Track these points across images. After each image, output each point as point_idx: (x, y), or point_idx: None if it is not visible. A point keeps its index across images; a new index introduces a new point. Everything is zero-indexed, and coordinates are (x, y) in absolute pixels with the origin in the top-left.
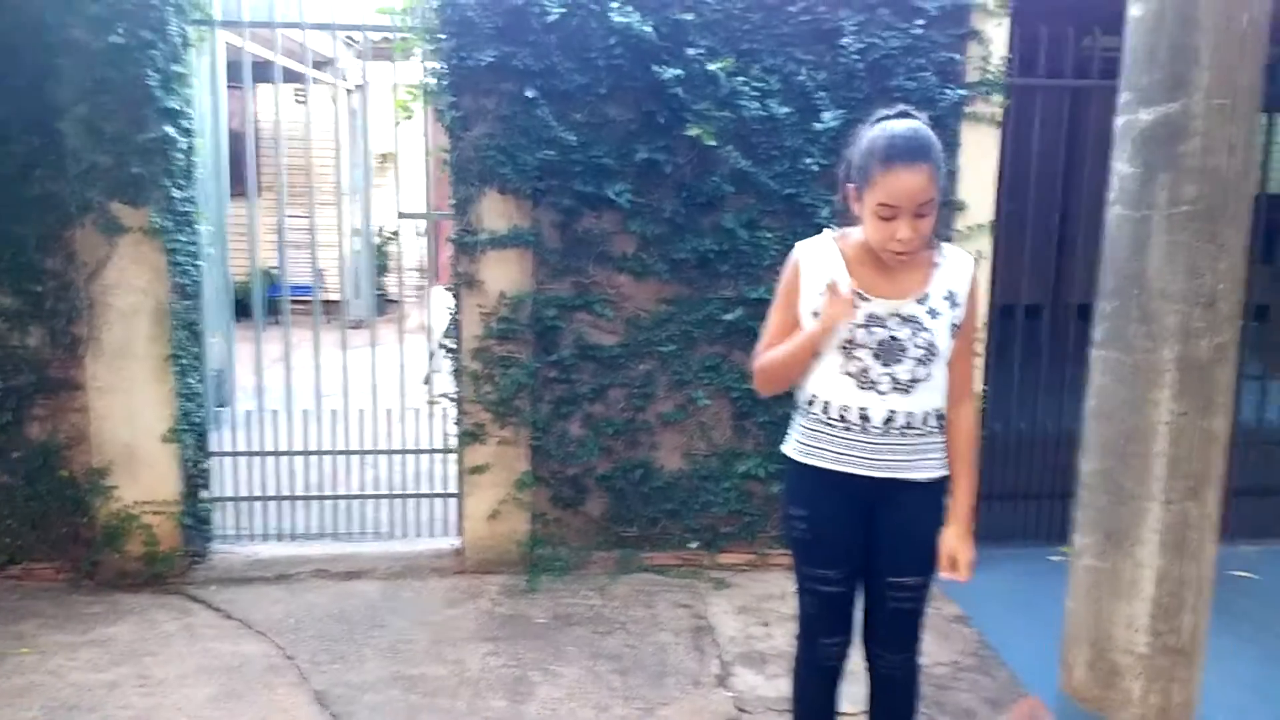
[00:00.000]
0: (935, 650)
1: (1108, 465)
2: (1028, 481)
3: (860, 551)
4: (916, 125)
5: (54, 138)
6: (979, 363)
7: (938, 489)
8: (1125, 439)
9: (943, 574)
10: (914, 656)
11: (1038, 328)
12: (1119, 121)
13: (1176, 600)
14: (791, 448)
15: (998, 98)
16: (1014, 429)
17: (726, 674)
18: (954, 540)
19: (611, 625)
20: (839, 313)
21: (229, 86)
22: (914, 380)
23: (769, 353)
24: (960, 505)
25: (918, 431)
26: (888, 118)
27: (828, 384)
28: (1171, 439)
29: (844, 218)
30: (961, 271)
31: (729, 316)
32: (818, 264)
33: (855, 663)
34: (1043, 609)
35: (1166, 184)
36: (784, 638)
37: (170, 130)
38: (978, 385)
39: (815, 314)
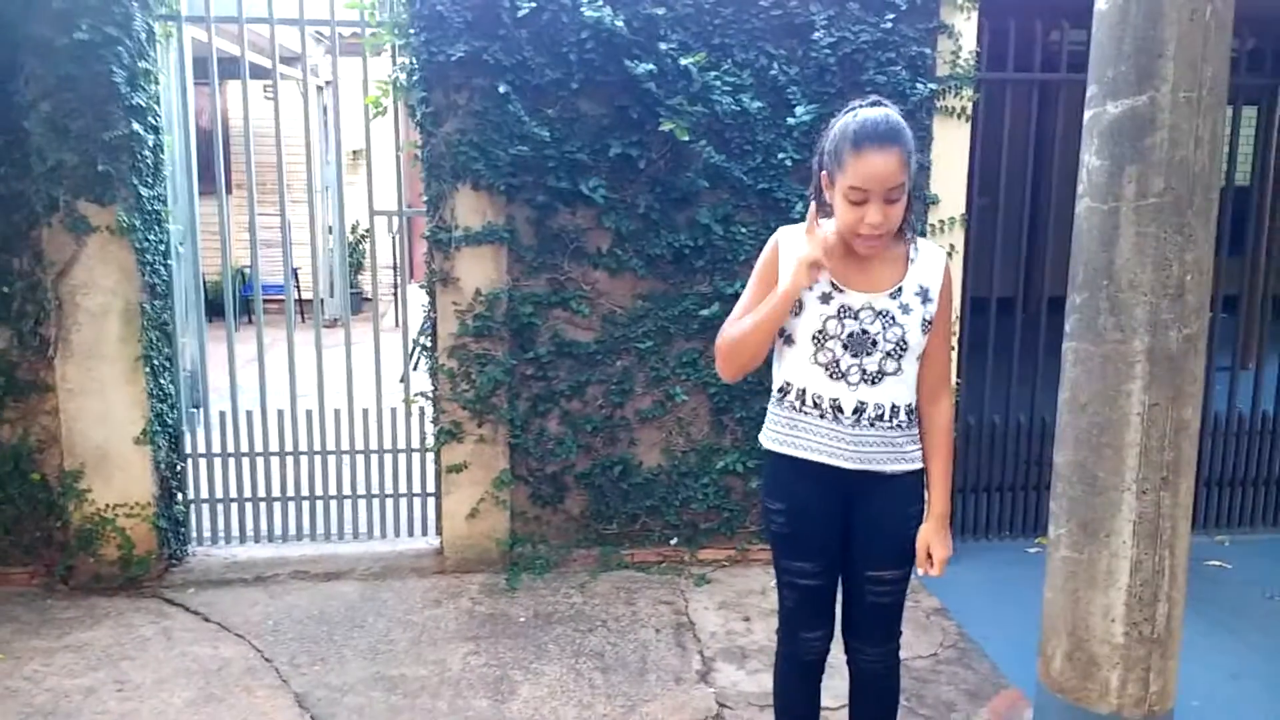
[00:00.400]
0: (915, 643)
1: (1081, 456)
2: (1003, 474)
3: (839, 545)
4: (889, 112)
5: (18, 136)
6: (953, 356)
7: (914, 481)
8: (1098, 430)
9: (919, 569)
10: (894, 650)
11: (1010, 320)
12: (1087, 115)
13: (1151, 590)
14: (768, 437)
15: (967, 92)
16: (988, 422)
17: (708, 670)
18: (930, 535)
19: (593, 623)
20: (802, 276)
21: (196, 83)
22: (881, 373)
23: (732, 328)
24: (936, 500)
25: (888, 424)
26: (861, 106)
27: (800, 372)
28: (1143, 429)
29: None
30: (934, 266)
31: (705, 312)
32: (797, 249)
33: (836, 656)
34: (1022, 600)
35: (1134, 176)
36: (765, 633)
37: (137, 127)
38: (952, 379)
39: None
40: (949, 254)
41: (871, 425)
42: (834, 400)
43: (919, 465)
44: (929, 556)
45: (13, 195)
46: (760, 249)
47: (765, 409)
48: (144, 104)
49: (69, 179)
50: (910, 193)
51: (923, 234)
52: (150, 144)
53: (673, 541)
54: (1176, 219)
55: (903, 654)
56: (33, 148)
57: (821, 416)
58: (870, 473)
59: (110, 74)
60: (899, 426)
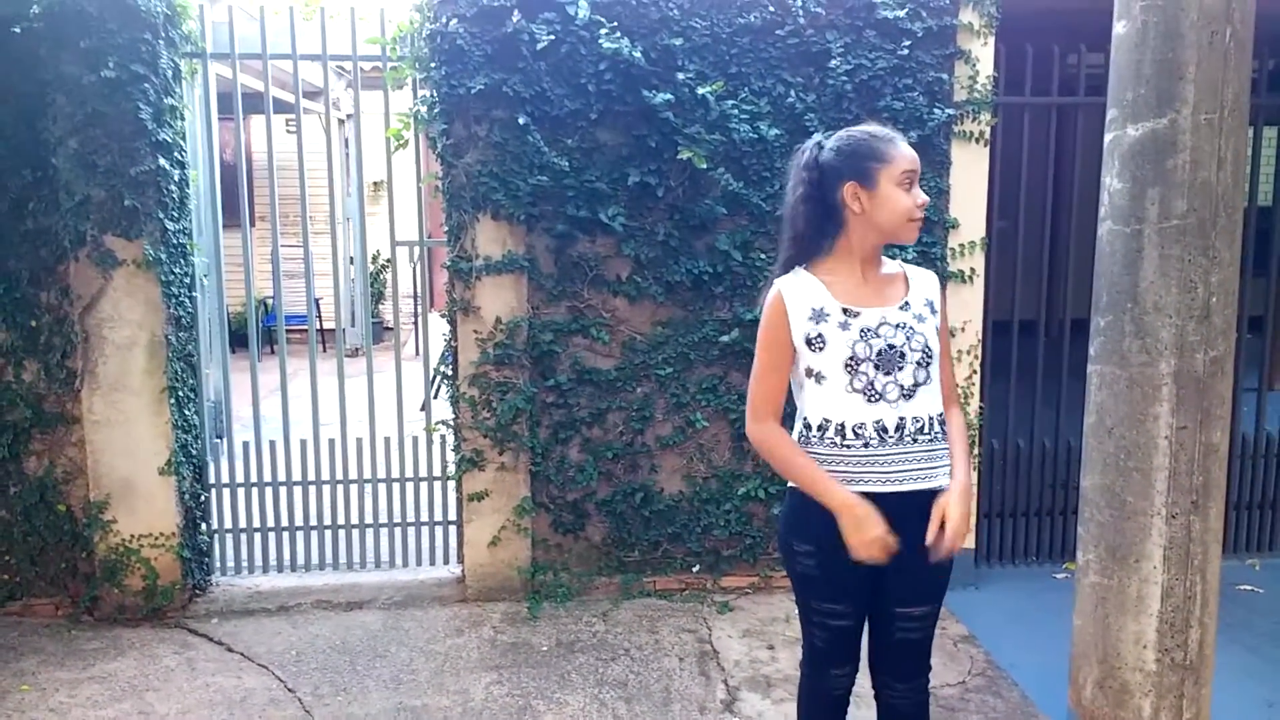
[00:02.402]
0: (943, 671)
1: (1109, 480)
2: (1028, 498)
3: (869, 584)
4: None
5: (47, 172)
6: (975, 380)
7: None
8: (1125, 454)
9: (928, 540)
10: (923, 685)
11: (1032, 344)
12: (1107, 138)
13: (1183, 615)
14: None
15: (985, 116)
16: (1012, 445)
17: (733, 699)
18: (948, 500)
19: (616, 652)
20: (865, 547)
21: (220, 118)
22: (916, 384)
23: (784, 448)
24: (959, 474)
25: (928, 437)
26: (832, 135)
27: (837, 405)
28: (1172, 453)
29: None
30: (931, 282)
31: (725, 338)
32: (799, 291)
33: (862, 685)
34: (1050, 627)
35: (1156, 199)
36: (789, 661)
37: (163, 162)
38: (957, 390)
39: (809, 340)
40: (968, 278)
41: (914, 440)
42: (878, 423)
43: (947, 465)
44: (941, 527)
45: (41, 230)
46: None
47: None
48: (170, 139)
49: (96, 214)
50: None
51: (943, 258)
52: (176, 178)
53: (695, 569)
54: (1200, 240)
55: (931, 683)
56: (61, 183)
57: (865, 445)
58: (907, 495)
59: (137, 111)
60: (936, 438)
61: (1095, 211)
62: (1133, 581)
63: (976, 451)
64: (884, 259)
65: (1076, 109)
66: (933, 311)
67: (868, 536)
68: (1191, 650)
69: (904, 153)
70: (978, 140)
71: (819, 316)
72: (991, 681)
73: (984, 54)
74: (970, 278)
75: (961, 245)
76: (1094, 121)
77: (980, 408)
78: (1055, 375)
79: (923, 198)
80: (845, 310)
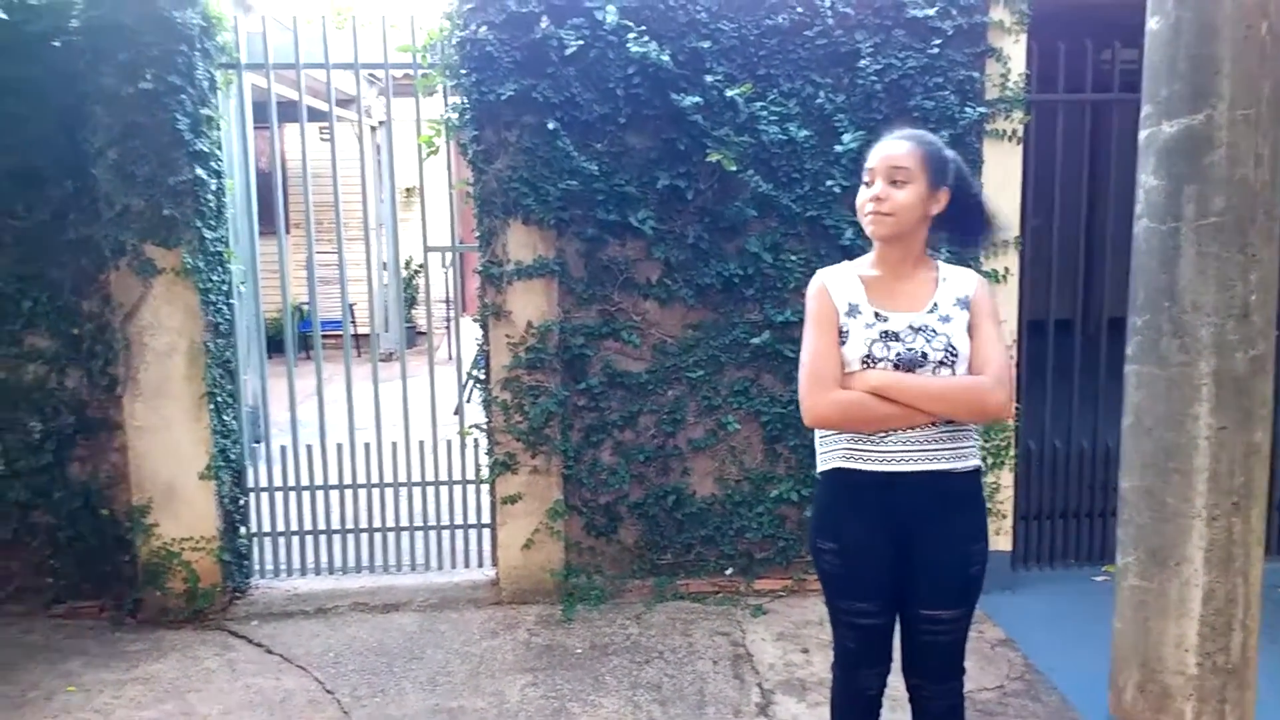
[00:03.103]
0: (980, 675)
1: (1148, 482)
2: (1065, 500)
3: (895, 581)
4: (925, 132)
5: (88, 183)
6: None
7: (975, 508)
8: (1165, 454)
9: None
10: (955, 688)
11: (1068, 343)
12: (1142, 135)
13: (1225, 619)
14: (827, 459)
15: (1018, 114)
16: (1049, 446)
17: (768, 702)
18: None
19: (650, 654)
20: None
21: (255, 127)
22: None
23: (865, 399)
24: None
25: (950, 428)
26: None
27: None
28: (1212, 453)
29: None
30: (966, 280)
31: (756, 340)
32: (840, 284)
33: (896, 687)
34: (1089, 630)
35: (1193, 196)
36: (824, 664)
37: (200, 172)
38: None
39: (841, 332)
40: (1003, 277)
41: (934, 425)
42: None
43: (978, 463)
44: None
45: (82, 240)
46: (810, 276)
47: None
48: (207, 149)
49: (136, 223)
50: (931, 207)
51: (975, 257)
52: (213, 188)
53: (728, 572)
54: (1239, 238)
55: (968, 686)
56: (101, 194)
57: (883, 436)
58: (931, 475)
59: (174, 121)
60: (959, 427)
61: (1131, 209)
62: (1173, 584)
63: (1013, 453)
64: (929, 259)
65: (1111, 105)
66: (964, 308)
67: None
68: (1234, 654)
69: (876, 150)
70: (1010, 138)
71: (852, 311)
72: (1030, 685)
73: (1016, 51)
74: (1004, 277)
75: (994, 244)
76: (1129, 118)
77: (1016, 408)
78: (1092, 375)
79: (877, 192)
80: (877, 314)
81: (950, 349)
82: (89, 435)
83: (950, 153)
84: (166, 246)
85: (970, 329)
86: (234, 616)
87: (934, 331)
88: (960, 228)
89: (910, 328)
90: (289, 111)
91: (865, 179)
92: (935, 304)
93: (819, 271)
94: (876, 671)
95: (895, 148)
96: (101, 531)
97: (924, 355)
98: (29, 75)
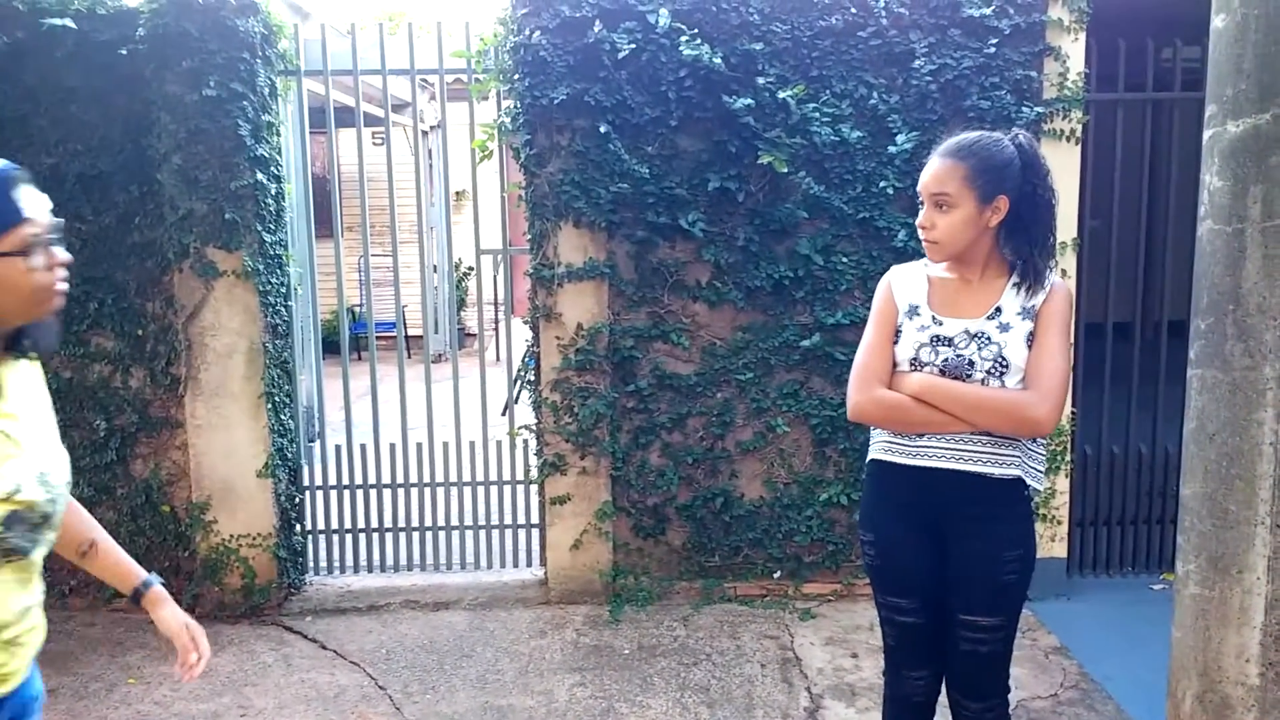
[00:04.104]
0: (1034, 683)
1: (1210, 489)
2: (1123, 506)
3: (933, 581)
4: (981, 133)
5: (152, 187)
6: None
7: (1017, 518)
8: (1227, 461)
9: None
10: (998, 705)
11: (1127, 346)
12: (1206, 134)
13: None
14: (877, 448)
15: (1077, 114)
16: (1106, 452)
17: (816, 707)
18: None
19: (697, 656)
20: None
21: (312, 131)
22: None
23: (901, 400)
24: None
25: (994, 438)
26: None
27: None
28: (1277, 459)
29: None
30: (1042, 288)
31: (806, 343)
32: (905, 283)
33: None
34: (1146, 639)
35: (1259, 197)
36: (873, 670)
37: (261, 177)
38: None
39: (897, 331)
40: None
41: (974, 433)
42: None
43: (1018, 472)
44: None
45: (146, 243)
46: (861, 278)
47: (868, 440)
48: (267, 155)
49: (198, 227)
50: (998, 220)
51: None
52: (273, 192)
53: (776, 575)
54: None
55: (1021, 694)
56: (165, 198)
57: (923, 436)
58: (966, 475)
59: (236, 127)
60: (1007, 439)
61: (1192, 210)
62: (1235, 593)
63: (1069, 458)
64: (1005, 260)
65: (1172, 105)
66: (1028, 318)
67: None
68: None
69: (925, 169)
70: (1068, 139)
71: (911, 312)
72: (1085, 694)
73: (1074, 50)
74: (1062, 279)
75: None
76: (1190, 117)
77: (1073, 412)
78: (1151, 379)
79: (921, 219)
80: (934, 318)
81: (1000, 359)
82: (151, 433)
83: (1009, 151)
84: (228, 249)
85: (1032, 338)
86: (289, 612)
87: (988, 339)
88: (1027, 234)
89: (966, 333)
90: (345, 117)
91: (919, 199)
92: (998, 309)
93: (893, 268)
94: (921, 677)
95: (938, 168)
96: (162, 527)
97: (971, 364)
98: (96, 83)
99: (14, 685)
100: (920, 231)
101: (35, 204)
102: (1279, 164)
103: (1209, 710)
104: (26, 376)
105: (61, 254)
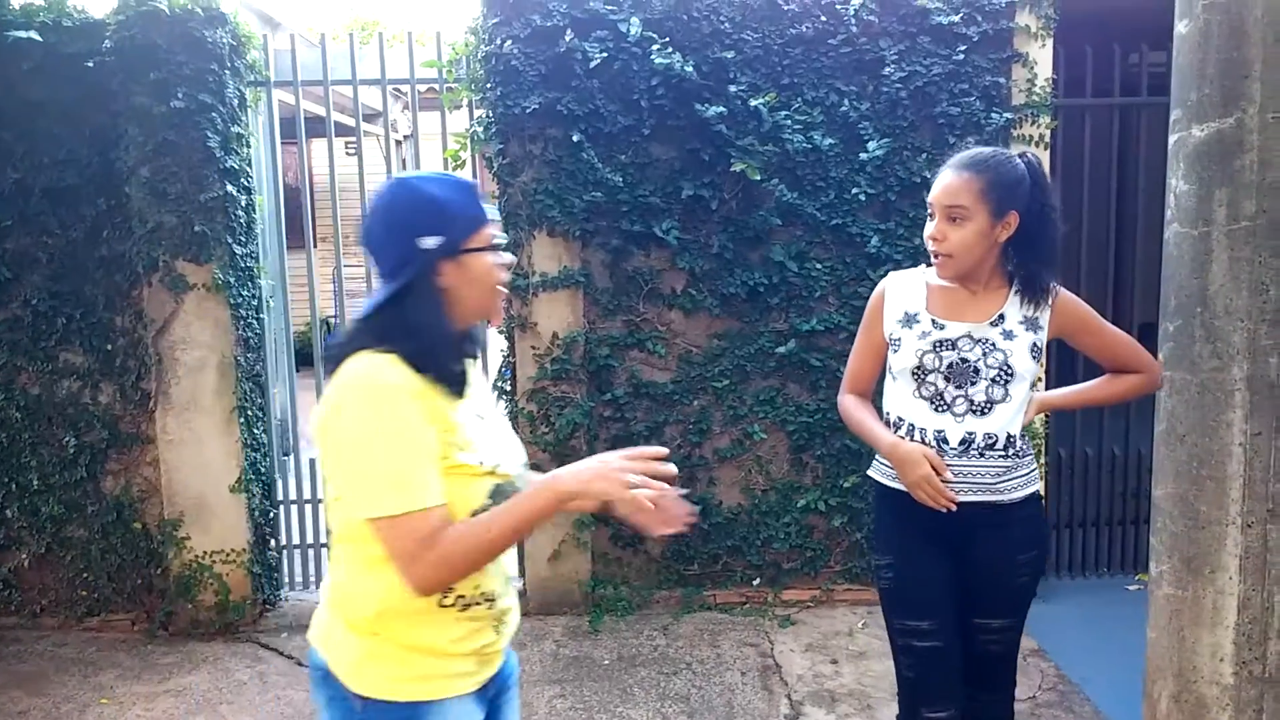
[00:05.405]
0: None
1: (1181, 489)
2: (1098, 508)
3: (952, 599)
4: (994, 149)
5: (121, 200)
6: (1041, 387)
7: (1028, 518)
8: (1198, 462)
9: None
10: (1006, 698)
11: None
12: (1171, 139)
13: (1261, 628)
14: (880, 470)
15: (1045, 119)
16: (1080, 454)
17: (797, 714)
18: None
19: (677, 665)
20: (914, 488)
21: (283, 142)
22: (990, 402)
23: (852, 410)
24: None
25: (1000, 453)
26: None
27: (905, 406)
28: (1246, 460)
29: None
30: (1044, 299)
31: (781, 349)
32: (902, 291)
33: None
34: (1122, 640)
35: (1224, 200)
36: (853, 676)
37: (231, 189)
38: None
39: (890, 339)
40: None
41: (981, 455)
42: (939, 433)
43: (1034, 489)
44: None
45: (115, 256)
46: (835, 284)
47: (845, 445)
48: (236, 166)
49: (168, 240)
50: (1003, 236)
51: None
52: (243, 204)
53: (755, 582)
54: (1272, 242)
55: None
56: (134, 211)
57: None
58: (982, 504)
59: (205, 139)
60: (1013, 455)
61: (1161, 214)
62: (1208, 593)
63: (1043, 460)
64: (1005, 274)
65: (1139, 109)
66: (1032, 329)
67: (912, 477)
68: (1270, 663)
69: (936, 181)
70: (1037, 144)
71: (908, 320)
72: (1063, 696)
73: (1042, 56)
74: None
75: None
76: (1157, 122)
77: (1046, 416)
78: None
79: (930, 230)
80: (934, 322)
81: (1006, 367)
82: (121, 449)
83: (1021, 168)
84: (197, 262)
85: (1091, 333)
86: (264, 629)
87: (993, 345)
88: (1033, 250)
89: (969, 337)
90: (316, 127)
91: (928, 210)
92: (1001, 316)
93: (890, 274)
94: (943, 716)
95: (952, 181)
96: (134, 545)
97: (976, 371)
98: (63, 96)
99: (499, 665)
100: (930, 244)
101: (492, 209)
102: (1243, 167)
103: (1185, 710)
104: (477, 375)
105: (508, 256)
